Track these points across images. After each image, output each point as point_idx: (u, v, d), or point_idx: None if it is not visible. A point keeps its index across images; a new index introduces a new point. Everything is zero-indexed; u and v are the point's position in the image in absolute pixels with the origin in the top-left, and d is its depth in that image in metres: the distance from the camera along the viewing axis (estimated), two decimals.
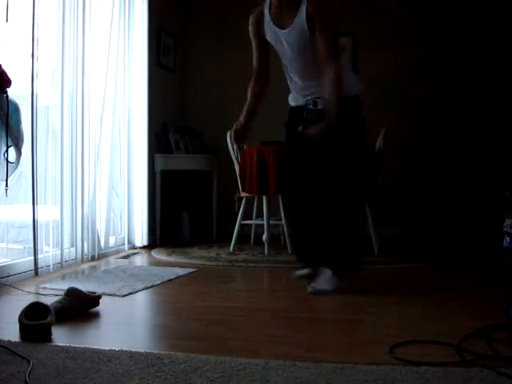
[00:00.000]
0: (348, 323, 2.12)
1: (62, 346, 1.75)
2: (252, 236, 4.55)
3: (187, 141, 4.91)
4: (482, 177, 4.83)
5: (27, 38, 3.05)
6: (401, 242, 4.53)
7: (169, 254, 3.94)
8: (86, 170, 3.61)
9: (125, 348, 1.73)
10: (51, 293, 2.56)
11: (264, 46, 2.93)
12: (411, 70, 4.97)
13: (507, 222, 2.97)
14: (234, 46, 5.15)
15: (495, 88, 4.83)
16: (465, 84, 4.91)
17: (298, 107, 2.88)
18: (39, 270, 3.07)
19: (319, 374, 1.51)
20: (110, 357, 1.65)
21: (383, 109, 4.78)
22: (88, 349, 1.72)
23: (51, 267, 3.19)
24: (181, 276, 3.09)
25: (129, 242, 4.27)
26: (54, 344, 1.80)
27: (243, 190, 3.98)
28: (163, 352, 1.70)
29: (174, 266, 3.46)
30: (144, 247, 4.34)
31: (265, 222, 3.90)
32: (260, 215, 4.23)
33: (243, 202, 4.03)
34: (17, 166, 2.58)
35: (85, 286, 2.53)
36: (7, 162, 2.47)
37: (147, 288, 2.74)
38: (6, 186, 2.51)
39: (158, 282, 2.87)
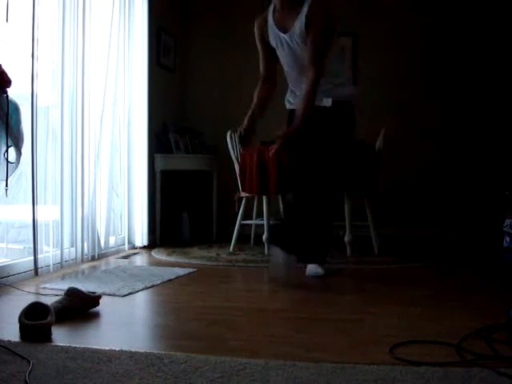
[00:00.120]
0: (348, 323, 2.12)
1: (62, 346, 1.75)
2: (252, 236, 4.55)
3: (187, 141, 4.90)
4: (482, 177, 4.83)
5: (27, 37, 3.05)
6: (401, 241, 4.53)
7: (169, 254, 3.95)
8: (86, 170, 3.61)
9: (125, 348, 1.73)
10: (51, 293, 2.56)
11: (270, 51, 2.96)
12: (411, 70, 4.97)
13: (507, 221, 2.97)
14: (234, 46, 5.16)
15: (495, 88, 4.83)
16: (465, 84, 4.91)
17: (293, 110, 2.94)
18: (39, 269, 3.08)
19: (319, 374, 1.51)
20: (109, 357, 1.65)
21: (383, 109, 4.78)
22: (88, 349, 1.72)
23: (51, 267, 3.19)
24: (181, 276, 3.09)
25: (129, 242, 4.27)
26: (54, 344, 1.80)
27: (243, 190, 3.98)
28: (163, 352, 1.70)
29: (174, 265, 3.46)
30: (144, 247, 4.34)
31: (265, 222, 3.90)
32: (260, 215, 4.23)
33: (243, 201, 4.03)
34: (17, 166, 2.58)
35: (85, 286, 2.53)
36: (7, 161, 2.47)
37: (147, 288, 2.74)
38: (6, 186, 2.51)
39: (158, 282, 2.87)
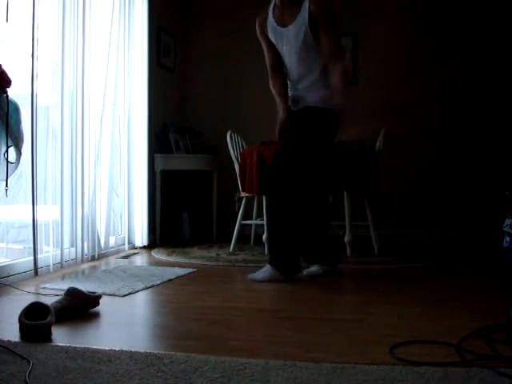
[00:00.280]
0: (348, 323, 2.12)
1: (62, 346, 1.75)
2: (252, 236, 4.55)
3: (187, 141, 4.91)
4: (482, 177, 4.83)
5: (27, 37, 3.05)
6: (401, 241, 4.53)
7: (169, 254, 3.95)
8: (86, 170, 3.61)
9: (125, 348, 1.73)
10: (51, 293, 2.56)
11: (272, 43, 2.98)
12: (411, 70, 4.97)
13: (507, 221, 2.97)
14: (234, 46, 5.16)
15: (495, 88, 4.83)
16: (465, 84, 4.91)
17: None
18: (39, 269, 3.08)
19: (319, 373, 1.51)
20: (109, 357, 1.65)
21: (383, 109, 4.78)
22: (88, 349, 1.72)
23: (51, 267, 3.19)
24: (181, 276, 3.09)
25: (129, 242, 4.28)
26: (54, 344, 1.80)
27: (243, 190, 3.98)
28: (163, 352, 1.70)
29: (173, 266, 3.46)
30: (144, 247, 4.34)
31: (265, 222, 3.90)
32: (260, 215, 4.23)
33: (243, 202, 4.03)
34: (17, 166, 2.58)
35: (85, 286, 2.53)
36: (7, 161, 2.47)
37: (147, 288, 2.74)
38: (6, 185, 2.51)
39: (158, 282, 2.87)
